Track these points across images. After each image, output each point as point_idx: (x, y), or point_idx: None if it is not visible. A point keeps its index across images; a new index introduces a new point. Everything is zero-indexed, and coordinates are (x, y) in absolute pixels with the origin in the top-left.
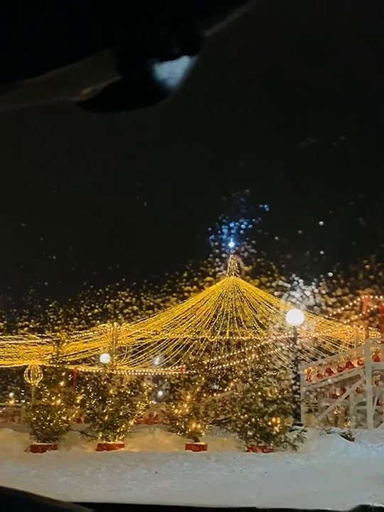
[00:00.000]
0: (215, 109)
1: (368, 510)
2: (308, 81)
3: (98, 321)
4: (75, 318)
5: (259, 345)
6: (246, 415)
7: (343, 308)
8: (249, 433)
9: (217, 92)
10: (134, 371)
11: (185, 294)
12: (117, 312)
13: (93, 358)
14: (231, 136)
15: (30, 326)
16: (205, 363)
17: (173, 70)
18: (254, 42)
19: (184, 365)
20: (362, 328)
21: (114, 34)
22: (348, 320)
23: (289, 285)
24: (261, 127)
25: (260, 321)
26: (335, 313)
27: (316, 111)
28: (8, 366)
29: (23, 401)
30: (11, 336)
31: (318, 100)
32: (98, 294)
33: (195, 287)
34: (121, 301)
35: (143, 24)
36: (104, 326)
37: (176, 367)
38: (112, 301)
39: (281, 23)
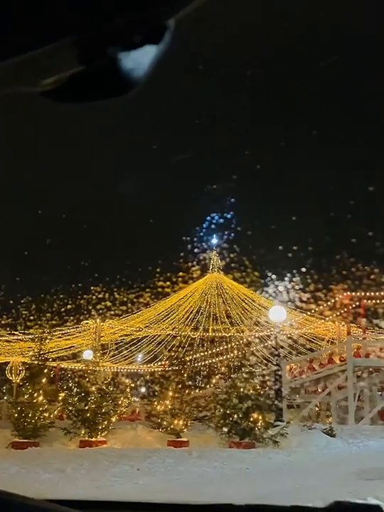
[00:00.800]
0: (193, 104)
1: (343, 506)
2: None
3: (71, 317)
4: (48, 314)
5: (241, 341)
6: (227, 411)
7: (325, 305)
8: (231, 429)
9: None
10: (117, 368)
11: (159, 289)
12: (90, 308)
13: (76, 354)
14: (207, 130)
15: (2, 322)
16: (188, 359)
17: (138, 60)
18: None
19: (166, 362)
20: (343, 325)
21: (72, 22)
22: (330, 317)
23: (263, 280)
24: (234, 123)
25: (243, 318)
26: (316, 309)
27: (298, 106)
28: None
29: (5, 398)
30: None
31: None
32: (71, 289)
33: (168, 283)
34: (95, 297)
35: (102, 12)
36: (87, 323)
37: (159, 363)
38: (84, 296)
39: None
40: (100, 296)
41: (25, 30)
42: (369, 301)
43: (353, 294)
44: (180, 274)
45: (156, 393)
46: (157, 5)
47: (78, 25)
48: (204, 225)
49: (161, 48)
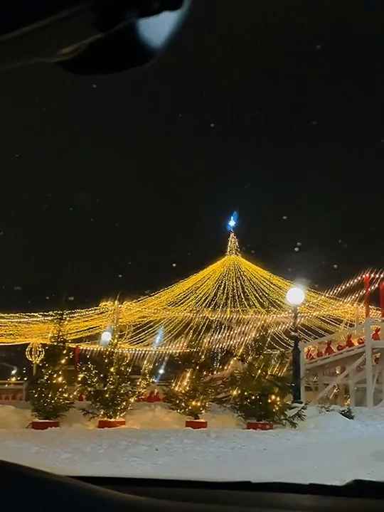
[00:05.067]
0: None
1: (363, 484)
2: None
3: (89, 299)
4: (66, 296)
5: (259, 323)
6: (245, 393)
7: (343, 286)
8: (248, 411)
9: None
10: (135, 349)
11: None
12: (108, 289)
13: (94, 336)
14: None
15: (22, 303)
16: (206, 341)
17: (157, 29)
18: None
19: (185, 344)
20: (362, 307)
21: None
22: (349, 299)
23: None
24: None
25: (261, 300)
26: (336, 291)
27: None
28: (10, 344)
29: (25, 379)
30: (12, 314)
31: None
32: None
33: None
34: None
35: None
36: (105, 304)
37: (177, 345)
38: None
39: None
40: (118, 276)
41: None
42: None
43: (373, 275)
44: (198, 255)
45: (177, 375)
46: None
47: None
48: (222, 208)
49: (180, 16)
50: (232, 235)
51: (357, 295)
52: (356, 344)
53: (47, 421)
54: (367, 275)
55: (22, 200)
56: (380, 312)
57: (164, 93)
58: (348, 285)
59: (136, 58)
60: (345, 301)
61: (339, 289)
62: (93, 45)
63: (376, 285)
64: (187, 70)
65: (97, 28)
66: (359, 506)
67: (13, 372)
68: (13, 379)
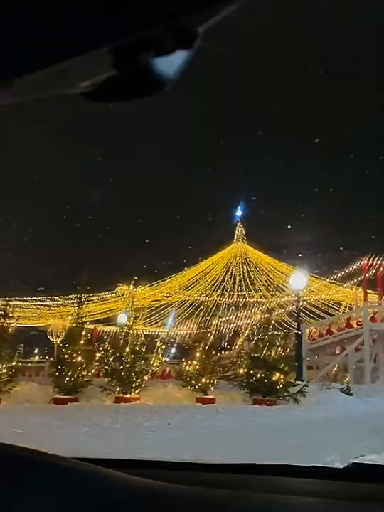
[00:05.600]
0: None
1: (361, 467)
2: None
3: (106, 283)
4: (85, 280)
5: (264, 306)
6: (251, 371)
7: (343, 272)
8: (254, 387)
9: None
10: (149, 330)
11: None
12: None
13: (111, 318)
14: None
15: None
16: (214, 323)
17: (169, 63)
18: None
19: (195, 325)
20: (361, 292)
21: (109, 32)
22: (348, 283)
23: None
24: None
25: (265, 284)
26: (336, 277)
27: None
28: (33, 326)
29: (47, 358)
30: (35, 298)
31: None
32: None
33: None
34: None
35: (137, 22)
36: (122, 288)
37: (188, 326)
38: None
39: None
40: (133, 262)
41: (65, 41)
42: None
43: (371, 262)
44: (207, 243)
45: (188, 354)
46: (190, 15)
47: (114, 36)
48: (230, 198)
49: (191, 52)
50: (239, 223)
51: (356, 280)
52: (355, 326)
53: (67, 397)
54: (365, 262)
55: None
56: (377, 296)
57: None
58: (347, 271)
59: (151, 88)
60: (345, 285)
61: (339, 274)
62: (110, 78)
63: (374, 271)
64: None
65: (113, 68)
66: (359, 490)
67: (36, 351)
68: (36, 358)
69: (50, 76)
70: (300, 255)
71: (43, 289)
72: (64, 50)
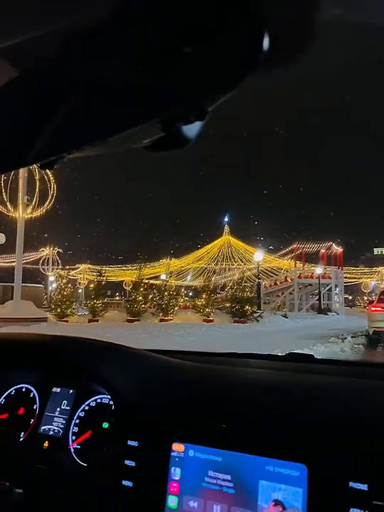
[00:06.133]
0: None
1: (294, 354)
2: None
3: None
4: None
5: (240, 270)
6: (233, 305)
7: (284, 251)
8: (235, 313)
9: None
10: (177, 283)
11: (199, 244)
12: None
13: (157, 276)
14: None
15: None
16: (213, 279)
17: (191, 129)
18: None
19: (202, 280)
20: (292, 262)
21: (163, 113)
22: (287, 257)
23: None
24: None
25: (240, 258)
26: (279, 253)
27: None
28: (116, 280)
29: (123, 297)
30: (116, 265)
31: None
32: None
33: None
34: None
35: (177, 108)
36: (162, 260)
37: (199, 281)
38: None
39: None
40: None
41: (139, 118)
42: (306, 250)
43: (298, 245)
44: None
45: (199, 295)
46: (206, 102)
47: (164, 114)
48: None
49: (205, 121)
50: (226, 225)
51: (290, 255)
52: (289, 281)
53: (134, 318)
54: (295, 245)
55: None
56: (301, 264)
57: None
58: (286, 250)
59: (180, 145)
60: (284, 258)
61: (282, 252)
62: (159, 138)
63: (299, 251)
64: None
65: (162, 131)
66: (293, 366)
67: (116, 294)
68: (117, 297)
69: (128, 136)
70: (261, 239)
71: (121, 257)
72: (138, 121)
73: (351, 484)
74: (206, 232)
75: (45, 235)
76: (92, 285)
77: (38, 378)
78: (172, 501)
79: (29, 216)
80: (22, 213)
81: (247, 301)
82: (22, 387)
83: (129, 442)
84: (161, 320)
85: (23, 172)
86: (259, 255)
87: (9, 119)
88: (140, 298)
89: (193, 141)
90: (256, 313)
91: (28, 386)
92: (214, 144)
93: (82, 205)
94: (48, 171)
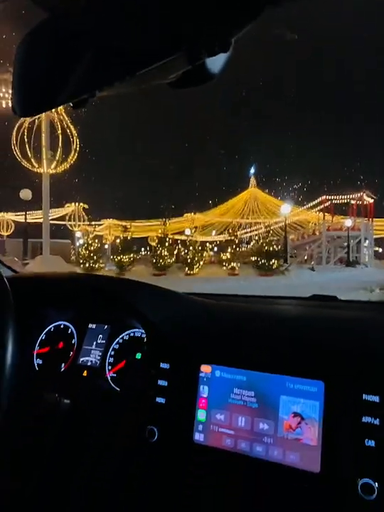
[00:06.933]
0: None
1: (319, 296)
2: None
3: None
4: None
5: (266, 224)
6: (259, 258)
7: (313, 203)
8: (261, 267)
9: None
10: (203, 238)
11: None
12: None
13: (182, 231)
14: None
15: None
16: (239, 233)
17: (215, 62)
18: None
19: (227, 234)
20: (321, 214)
21: (189, 45)
22: (314, 210)
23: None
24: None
25: (267, 211)
26: (308, 206)
27: None
28: (141, 237)
29: (149, 252)
30: (142, 220)
31: None
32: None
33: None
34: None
35: (202, 40)
36: (187, 215)
37: (224, 235)
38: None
39: None
40: (192, 197)
41: (167, 50)
42: (336, 202)
43: (326, 198)
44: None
45: (224, 250)
46: (230, 33)
47: (190, 46)
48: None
49: (228, 55)
50: (252, 177)
51: (318, 208)
52: (317, 234)
53: (160, 272)
54: (324, 198)
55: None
56: (330, 217)
57: None
58: (315, 202)
59: (205, 79)
60: (312, 211)
61: (310, 204)
62: (184, 73)
63: (328, 203)
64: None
65: (188, 64)
66: (317, 303)
67: (142, 249)
68: (143, 252)
69: (155, 71)
70: (289, 190)
71: (148, 217)
72: (165, 53)
73: (364, 397)
74: (233, 184)
75: (71, 191)
76: (118, 240)
77: (74, 316)
78: (201, 415)
79: (53, 172)
80: (46, 169)
81: (274, 254)
82: (60, 324)
83: (162, 365)
84: (187, 274)
85: (45, 126)
86: (286, 208)
87: (42, 60)
88: (165, 253)
89: (218, 75)
90: (282, 267)
91: (66, 323)
92: (240, 91)
93: (105, 161)
94: (70, 125)
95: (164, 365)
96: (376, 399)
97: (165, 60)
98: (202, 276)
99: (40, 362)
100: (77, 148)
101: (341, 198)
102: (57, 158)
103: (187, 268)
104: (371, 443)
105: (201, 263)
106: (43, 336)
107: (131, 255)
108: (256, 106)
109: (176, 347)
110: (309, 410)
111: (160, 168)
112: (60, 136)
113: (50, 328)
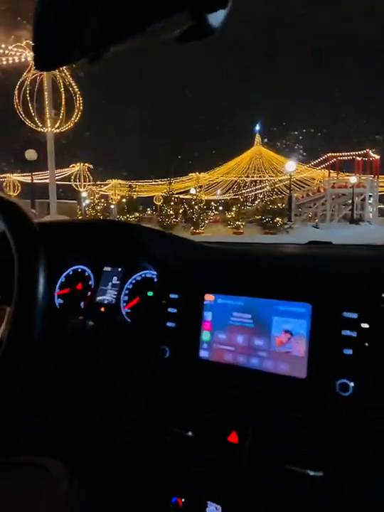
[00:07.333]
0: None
1: (315, 242)
2: None
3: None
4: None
5: (271, 182)
6: (263, 216)
7: (318, 160)
8: (265, 225)
9: None
10: (208, 197)
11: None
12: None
13: (187, 191)
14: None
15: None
16: (243, 191)
17: (217, 18)
18: None
19: (232, 193)
20: (326, 172)
21: (191, 4)
22: (320, 167)
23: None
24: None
25: (272, 169)
26: (313, 163)
27: None
28: (146, 196)
29: (154, 212)
30: (147, 180)
31: None
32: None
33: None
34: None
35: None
36: (192, 174)
37: (229, 194)
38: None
39: None
40: (196, 155)
41: (172, 6)
42: (341, 159)
43: (332, 155)
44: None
45: (230, 208)
46: None
47: (193, 4)
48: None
49: (227, 11)
50: (257, 134)
51: (324, 165)
52: (322, 191)
53: (164, 232)
54: (330, 155)
55: None
56: (335, 174)
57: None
58: (320, 159)
59: (206, 33)
60: (317, 168)
61: (316, 161)
62: (187, 28)
63: (334, 160)
64: None
65: (192, 20)
66: (313, 247)
67: (148, 209)
68: (148, 212)
69: (162, 27)
70: (294, 147)
71: (152, 177)
72: (171, 9)
73: (345, 314)
74: (237, 142)
75: (75, 152)
76: (124, 200)
77: (91, 260)
78: (205, 336)
79: (57, 131)
80: (50, 128)
81: (278, 212)
82: (78, 268)
83: (171, 295)
84: (192, 233)
85: (47, 84)
86: (291, 166)
87: (55, 17)
88: (171, 212)
89: (219, 29)
90: (286, 224)
91: (83, 267)
92: (244, 46)
93: (109, 119)
94: (72, 83)
95: (173, 296)
96: (354, 315)
97: (172, 16)
98: (207, 235)
99: (61, 301)
100: (81, 107)
101: (347, 155)
102: (60, 117)
103: (192, 227)
104: (349, 351)
105: (206, 222)
106: (62, 278)
107: (137, 215)
108: (262, 58)
109: (183, 280)
110: (298, 328)
111: (165, 126)
112: (63, 95)
113: (69, 272)
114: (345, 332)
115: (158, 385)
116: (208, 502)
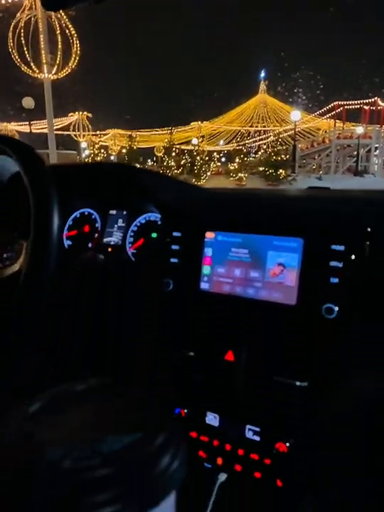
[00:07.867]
0: None
1: (314, 188)
2: None
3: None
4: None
5: (275, 132)
6: (266, 168)
7: (324, 109)
8: (268, 177)
9: None
10: (210, 147)
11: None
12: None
13: (189, 141)
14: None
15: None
16: (246, 142)
17: None
18: None
19: (235, 144)
20: (332, 121)
21: None
22: (325, 116)
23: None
24: None
25: (276, 118)
26: (319, 112)
27: None
28: (147, 146)
29: (154, 163)
30: (147, 130)
31: None
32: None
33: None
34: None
35: None
36: (194, 123)
37: (231, 145)
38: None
39: None
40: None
41: None
42: (348, 107)
43: (339, 103)
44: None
45: (232, 160)
46: None
47: None
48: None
49: None
50: (262, 82)
51: (329, 114)
52: (327, 142)
53: None
54: (337, 103)
55: None
56: (341, 124)
57: None
58: (326, 108)
59: None
60: (323, 118)
61: (322, 110)
62: None
63: (340, 109)
64: None
65: None
66: (311, 191)
67: (148, 160)
68: (149, 163)
69: None
70: (299, 95)
71: (151, 121)
72: None
73: (333, 246)
74: (240, 90)
75: (74, 100)
76: (124, 151)
77: (97, 203)
78: (206, 269)
79: (54, 77)
80: (47, 74)
81: (282, 164)
82: (84, 211)
83: (174, 233)
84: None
85: (43, 26)
86: (296, 114)
87: None
88: (172, 163)
89: None
90: (290, 176)
91: (89, 210)
92: None
93: (108, 65)
94: (69, 25)
95: (176, 234)
96: (341, 248)
97: None
98: (208, 187)
99: (70, 243)
100: (78, 52)
101: (354, 104)
102: (57, 61)
103: (194, 179)
104: (335, 280)
105: (208, 174)
106: (70, 221)
107: (136, 165)
108: (267, 4)
109: (186, 219)
110: (290, 261)
111: (167, 74)
112: (59, 37)
113: (76, 215)
114: (333, 263)
115: (162, 314)
116: (207, 412)
